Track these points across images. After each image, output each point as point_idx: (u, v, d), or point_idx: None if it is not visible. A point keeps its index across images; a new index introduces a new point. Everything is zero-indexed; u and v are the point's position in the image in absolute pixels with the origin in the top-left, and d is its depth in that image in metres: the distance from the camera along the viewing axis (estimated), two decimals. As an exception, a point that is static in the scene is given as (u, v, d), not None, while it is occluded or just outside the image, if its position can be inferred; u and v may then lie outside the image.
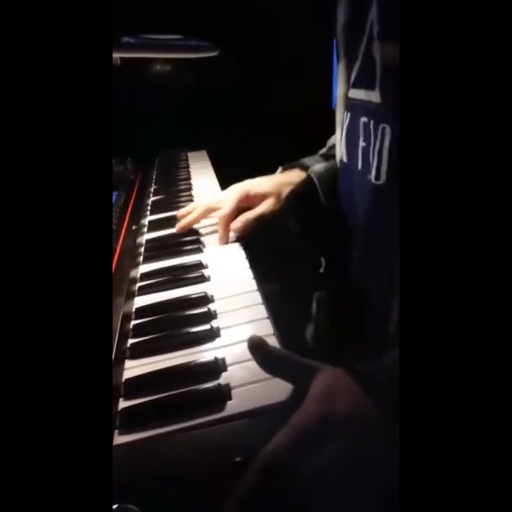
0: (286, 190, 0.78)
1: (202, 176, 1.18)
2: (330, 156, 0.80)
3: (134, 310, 0.61)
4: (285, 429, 0.33)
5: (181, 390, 0.46)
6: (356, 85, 0.61)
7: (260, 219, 0.77)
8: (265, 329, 0.54)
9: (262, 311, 0.57)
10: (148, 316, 0.59)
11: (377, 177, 0.56)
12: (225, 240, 0.77)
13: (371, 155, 0.57)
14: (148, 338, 0.55)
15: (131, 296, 0.65)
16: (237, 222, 0.77)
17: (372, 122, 0.57)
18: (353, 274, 0.69)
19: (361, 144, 0.60)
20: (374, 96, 0.56)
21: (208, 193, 1.04)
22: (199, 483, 0.33)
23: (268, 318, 0.56)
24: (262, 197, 0.79)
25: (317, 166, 0.78)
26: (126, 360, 0.52)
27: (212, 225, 0.83)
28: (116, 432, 0.42)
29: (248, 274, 0.67)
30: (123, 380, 0.49)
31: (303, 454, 0.31)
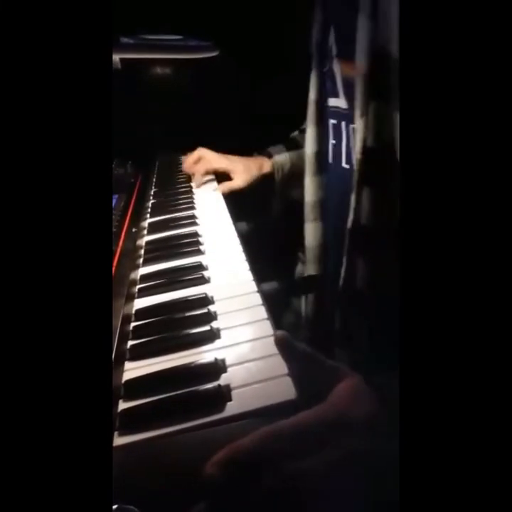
0: (255, 172, 1.04)
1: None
2: (294, 143, 1.04)
3: (134, 312, 0.61)
4: (302, 414, 0.34)
5: (181, 391, 0.46)
6: (329, 95, 0.76)
7: (236, 189, 1.03)
8: (265, 330, 0.54)
9: (262, 312, 0.57)
10: (149, 318, 0.59)
11: (350, 163, 0.71)
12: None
13: (344, 149, 0.72)
14: (149, 340, 0.55)
15: (131, 297, 0.65)
16: (222, 187, 1.04)
17: (343, 123, 0.72)
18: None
19: (332, 141, 0.76)
20: (340, 102, 0.71)
21: (208, 196, 1.05)
22: (199, 483, 0.33)
23: (268, 319, 0.56)
24: (238, 173, 1.04)
25: (278, 156, 1.04)
26: (126, 362, 0.52)
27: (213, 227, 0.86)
28: (116, 433, 0.42)
29: (248, 276, 0.67)
30: (123, 381, 0.49)
31: (308, 443, 0.32)
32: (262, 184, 1.04)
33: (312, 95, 0.77)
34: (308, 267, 0.87)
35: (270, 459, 0.32)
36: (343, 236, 0.69)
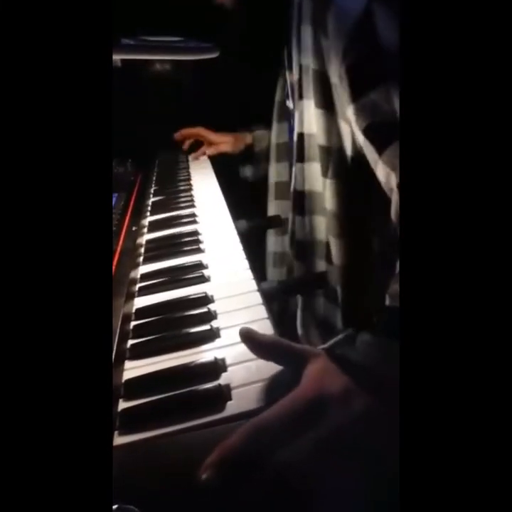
0: (240, 141, 1.26)
1: (202, 177, 1.19)
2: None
3: (134, 311, 0.61)
4: (280, 402, 0.35)
5: (181, 391, 0.45)
6: (286, 97, 0.94)
7: (223, 152, 1.29)
8: (265, 329, 0.54)
9: (262, 311, 0.57)
10: (149, 317, 0.59)
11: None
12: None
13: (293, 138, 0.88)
14: (149, 339, 0.55)
15: (131, 296, 0.65)
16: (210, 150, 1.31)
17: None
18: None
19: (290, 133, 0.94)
20: (289, 104, 0.88)
21: (208, 194, 1.05)
22: (199, 483, 0.33)
23: (268, 318, 0.56)
24: (225, 141, 1.29)
25: (259, 132, 1.22)
26: (126, 361, 0.52)
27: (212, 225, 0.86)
28: (116, 432, 0.42)
29: (248, 275, 0.67)
30: (123, 380, 0.49)
31: (292, 429, 0.33)
32: (244, 152, 1.25)
33: (277, 97, 0.96)
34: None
35: (260, 452, 0.32)
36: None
